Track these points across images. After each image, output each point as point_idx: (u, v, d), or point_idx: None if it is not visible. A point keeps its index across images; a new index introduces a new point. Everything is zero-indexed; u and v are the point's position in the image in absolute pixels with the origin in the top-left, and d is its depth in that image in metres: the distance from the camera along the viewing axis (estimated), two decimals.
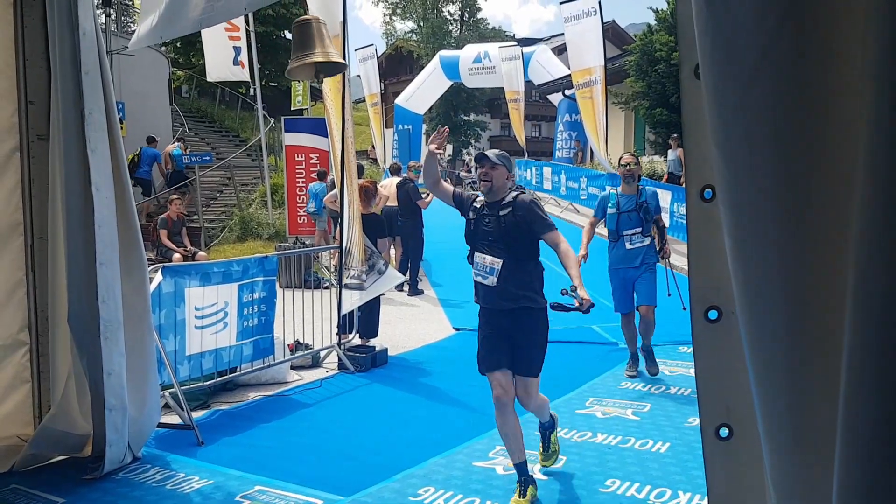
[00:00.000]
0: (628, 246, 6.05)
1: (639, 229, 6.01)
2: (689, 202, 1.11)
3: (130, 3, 23.87)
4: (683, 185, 1.16)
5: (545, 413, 4.28)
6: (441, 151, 4.02)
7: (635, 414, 5.38)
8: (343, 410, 5.71)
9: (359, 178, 7.42)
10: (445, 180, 4.49)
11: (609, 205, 6.15)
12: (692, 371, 1.22)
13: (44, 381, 4.56)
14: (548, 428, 4.37)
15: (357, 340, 7.37)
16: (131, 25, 22.79)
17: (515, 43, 25.32)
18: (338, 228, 7.59)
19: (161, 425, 4.90)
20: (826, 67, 0.75)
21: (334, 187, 9.96)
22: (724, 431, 1.12)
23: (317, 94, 24.84)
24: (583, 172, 18.07)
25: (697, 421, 1.19)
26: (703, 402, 1.15)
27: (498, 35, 40.58)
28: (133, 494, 4.04)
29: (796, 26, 0.75)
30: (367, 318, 7.39)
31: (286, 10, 25.88)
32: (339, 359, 6.93)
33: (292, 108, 18.92)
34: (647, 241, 6.04)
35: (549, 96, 25.15)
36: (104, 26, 14.03)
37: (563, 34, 18.79)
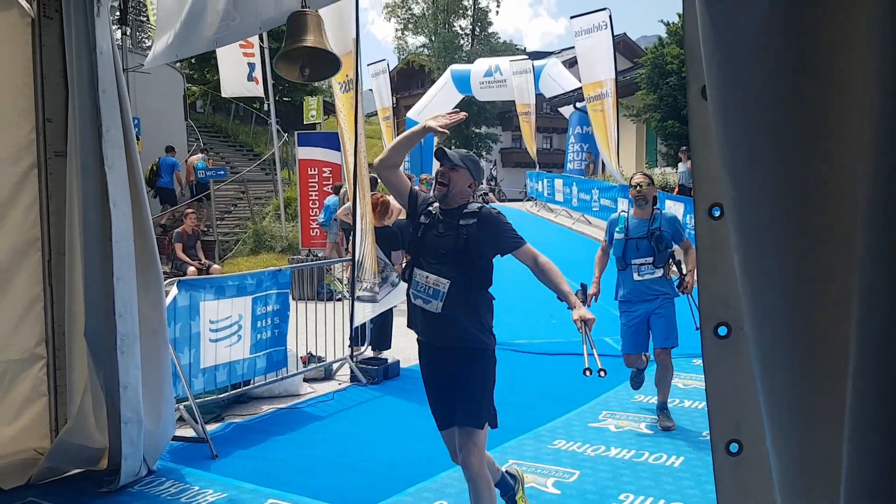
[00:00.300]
0: (636, 277, 5.28)
1: (649, 259, 5.24)
2: (698, 220, 1.12)
3: (145, 19, 24.17)
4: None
5: (494, 474, 3.54)
6: (444, 132, 3.30)
7: (649, 427, 5.35)
8: (356, 423, 5.72)
9: (372, 191, 7.47)
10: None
11: (616, 229, 5.41)
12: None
13: (60, 394, 4.60)
14: (509, 489, 3.76)
15: (369, 353, 7.39)
16: (146, 41, 23.06)
17: (526, 56, 25.43)
18: (350, 241, 7.63)
19: (176, 438, 4.93)
20: (833, 87, 0.77)
21: (346, 200, 10.02)
22: (735, 447, 1.13)
23: (329, 109, 24.98)
24: (594, 184, 18.07)
25: None
26: (713, 417, 1.16)
27: (509, 49, 40.74)
28: None
29: (802, 46, 0.77)
30: (380, 330, 7.41)
31: None
32: (352, 371, 6.95)
33: (305, 123, 19.06)
34: (659, 273, 5.27)
35: (560, 109, 25.20)
36: (120, 44, 14.21)
37: (573, 47, 18.85)
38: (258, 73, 16.34)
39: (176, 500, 4.16)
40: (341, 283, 10.41)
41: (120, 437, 4.26)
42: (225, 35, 3.65)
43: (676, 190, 15.84)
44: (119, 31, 15.20)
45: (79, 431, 4.37)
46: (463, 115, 3.43)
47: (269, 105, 16.91)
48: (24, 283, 4.49)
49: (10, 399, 4.48)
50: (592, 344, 3.15)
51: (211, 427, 5.39)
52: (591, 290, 5.38)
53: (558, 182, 20.81)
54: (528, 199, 25.00)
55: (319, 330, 7.07)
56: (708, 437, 1.25)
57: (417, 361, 8.52)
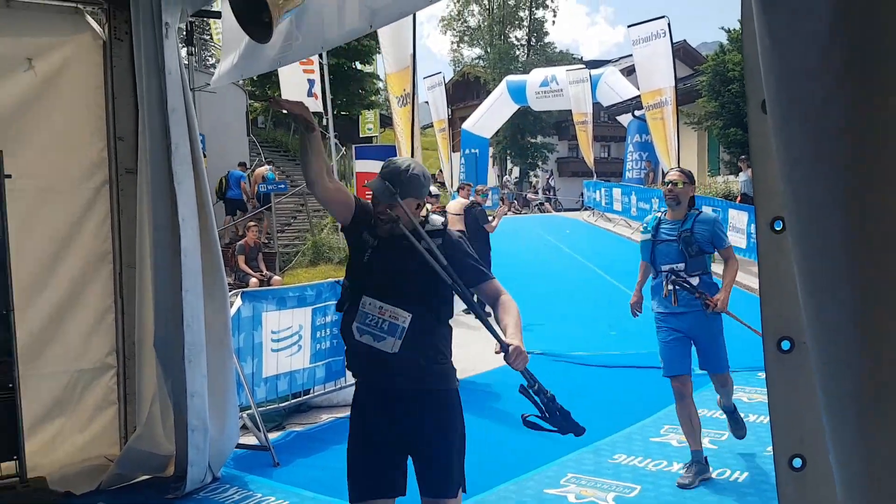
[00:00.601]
0: (668, 286, 4.65)
1: (679, 265, 4.57)
2: (759, 233, 1.11)
3: (209, 38, 24.95)
4: None
5: None
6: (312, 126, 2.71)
7: (713, 442, 5.23)
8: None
9: (432, 204, 7.54)
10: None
11: (643, 230, 4.88)
12: None
13: (129, 403, 4.77)
14: None
15: None
16: (209, 59, 23.80)
17: (583, 66, 25.32)
18: None
19: (239, 446, 5.04)
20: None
21: None
22: (798, 462, 1.11)
23: (386, 122, 25.30)
24: (654, 193, 17.78)
25: None
26: (776, 432, 1.14)
27: (565, 58, 40.57)
28: None
29: (865, 57, 0.76)
30: None
31: (357, 41, 26.57)
32: None
33: (360, 136, 19.34)
34: (694, 281, 4.57)
35: (618, 117, 24.96)
36: (186, 63, 14.77)
37: (632, 55, 18.67)
38: (317, 89, 16.68)
39: None
40: None
41: (186, 444, 4.38)
42: (287, 55, 3.74)
43: (739, 198, 15.48)
44: (185, 50, 15.76)
45: (147, 439, 4.51)
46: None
47: (327, 120, 17.25)
48: (97, 295, 4.68)
49: (82, 407, 4.67)
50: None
51: (272, 435, 5.49)
52: (631, 299, 4.98)
53: (616, 191, 20.57)
54: (586, 209, 24.80)
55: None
56: (772, 452, 1.23)
57: (473, 373, 8.43)
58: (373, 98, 28.79)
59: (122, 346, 4.76)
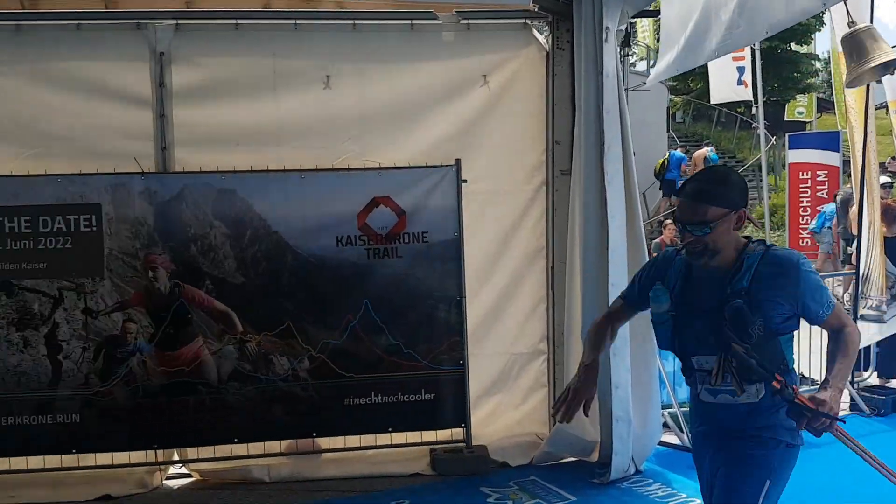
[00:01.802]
0: (705, 397, 2.56)
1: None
2: None
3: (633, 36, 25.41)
4: None
5: None
6: None
7: None
8: (856, 456, 5.06)
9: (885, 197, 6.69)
10: None
11: (656, 287, 2.58)
12: None
13: (558, 387, 5.10)
14: None
15: (874, 380, 6.65)
16: (631, 58, 24.22)
17: None
18: (854, 252, 6.94)
19: (661, 443, 5.05)
20: None
21: (846, 206, 9.04)
22: None
23: (823, 106, 22.71)
24: None
25: None
26: None
27: None
28: None
29: None
30: (889, 354, 6.62)
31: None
32: (852, 398, 6.24)
33: (786, 120, 17.79)
34: (754, 388, 2.46)
35: None
36: (622, 65, 15.41)
37: None
38: (747, 77, 15.76)
39: (664, 503, 4.25)
40: (840, 300, 9.43)
41: (611, 433, 4.54)
42: (727, 43, 3.60)
43: None
44: (622, 54, 16.38)
45: (574, 423, 4.76)
46: None
47: (756, 108, 16.20)
48: (532, 285, 5.12)
49: (517, 386, 5.15)
50: None
51: None
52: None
53: None
54: None
55: (802, 349, 6.48)
56: None
57: None
58: (810, 80, 26.15)
59: (552, 334, 5.12)
